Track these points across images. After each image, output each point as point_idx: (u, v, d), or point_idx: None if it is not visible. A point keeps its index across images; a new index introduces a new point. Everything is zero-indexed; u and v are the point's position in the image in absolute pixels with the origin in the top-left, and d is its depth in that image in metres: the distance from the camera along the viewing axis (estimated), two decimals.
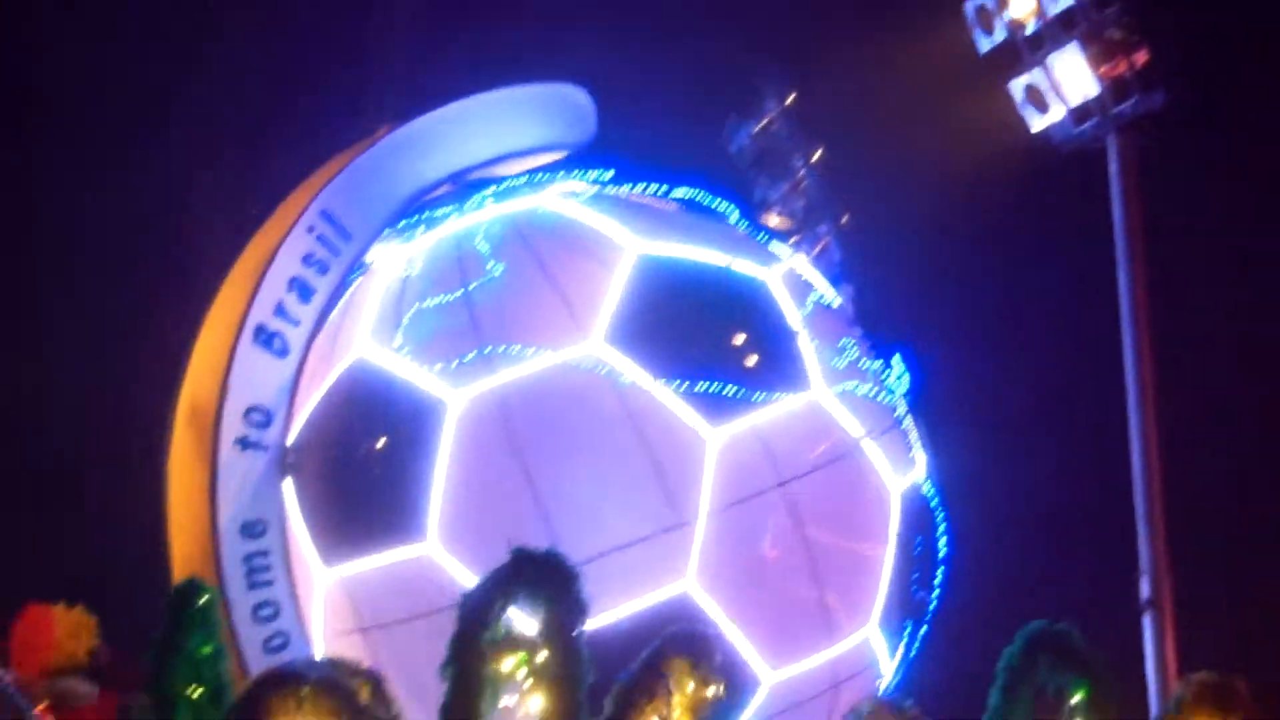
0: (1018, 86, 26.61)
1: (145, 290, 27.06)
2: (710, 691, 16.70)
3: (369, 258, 22.36)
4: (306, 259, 21.70)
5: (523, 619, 16.53)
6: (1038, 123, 26.63)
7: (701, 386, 20.09)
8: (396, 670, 18.78)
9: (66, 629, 19.38)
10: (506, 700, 16.27)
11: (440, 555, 19.89)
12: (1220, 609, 26.72)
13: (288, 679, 16.54)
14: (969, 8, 26.88)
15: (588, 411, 20.12)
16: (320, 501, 20.97)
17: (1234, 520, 28.47)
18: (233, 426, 20.91)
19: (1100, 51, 25.99)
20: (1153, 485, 25.25)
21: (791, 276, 22.04)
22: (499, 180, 22.85)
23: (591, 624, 17.04)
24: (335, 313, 21.98)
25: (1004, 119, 26.82)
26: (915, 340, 23.04)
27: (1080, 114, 26.25)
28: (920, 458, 22.13)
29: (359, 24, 28.64)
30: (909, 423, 22.16)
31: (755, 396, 20.35)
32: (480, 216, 22.08)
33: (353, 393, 21.08)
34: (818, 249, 27.23)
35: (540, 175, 22.95)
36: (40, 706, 18.34)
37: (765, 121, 28.22)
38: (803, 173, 27.88)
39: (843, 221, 27.68)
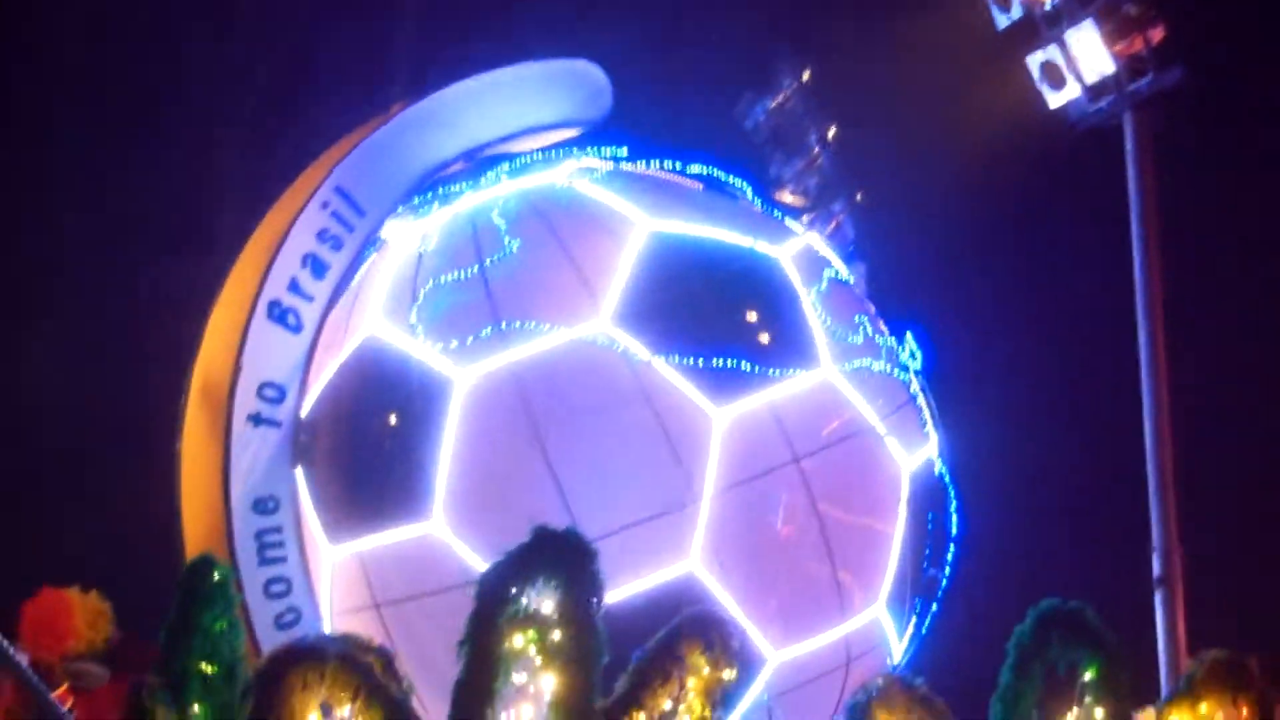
0: (1034, 63, 26.43)
1: (158, 267, 27.08)
2: (725, 675, 16.61)
3: (384, 233, 22.33)
4: (321, 235, 21.65)
5: (538, 597, 16.41)
6: (1054, 100, 26.44)
7: (716, 362, 20.08)
8: (406, 647, 18.83)
9: (86, 618, 19.23)
10: (518, 679, 16.23)
11: (446, 533, 19.91)
12: (1233, 587, 26.68)
13: (309, 654, 16.42)
14: None
15: (603, 388, 20.09)
16: (329, 478, 20.99)
17: (1248, 498, 28.45)
18: (246, 402, 20.88)
19: (1116, 28, 25.75)
20: (1165, 464, 25.15)
21: (806, 253, 22.01)
22: (514, 157, 22.81)
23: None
24: (350, 288, 21.95)
25: (1021, 96, 26.67)
26: (928, 317, 23.03)
27: (1096, 91, 26.04)
28: (933, 435, 22.11)
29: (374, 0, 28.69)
30: (922, 400, 22.13)
31: (769, 372, 20.34)
32: (496, 192, 22.06)
33: (364, 369, 21.08)
34: (832, 226, 27.20)
35: (556, 151, 22.90)
36: (59, 690, 18.32)
37: (781, 98, 28.14)
38: (817, 149, 27.82)
39: (857, 199, 27.63)
